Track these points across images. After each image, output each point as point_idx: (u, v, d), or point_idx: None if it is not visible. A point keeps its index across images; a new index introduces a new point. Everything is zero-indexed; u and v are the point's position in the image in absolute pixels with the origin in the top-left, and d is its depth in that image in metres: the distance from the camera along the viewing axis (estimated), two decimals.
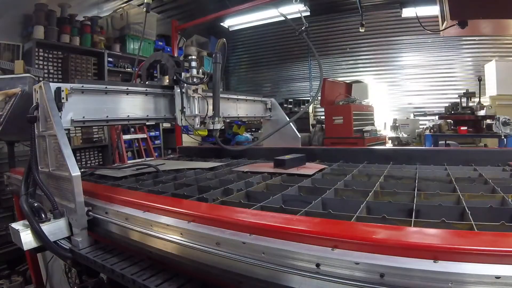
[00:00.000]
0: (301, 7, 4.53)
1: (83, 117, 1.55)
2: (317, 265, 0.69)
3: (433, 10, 4.60)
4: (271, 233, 0.79)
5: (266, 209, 1.11)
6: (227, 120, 2.66)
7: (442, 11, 3.39)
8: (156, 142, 6.30)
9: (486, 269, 0.58)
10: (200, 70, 1.97)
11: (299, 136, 2.71)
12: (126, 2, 5.96)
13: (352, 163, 2.05)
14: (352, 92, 6.62)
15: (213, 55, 1.98)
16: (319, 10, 7.29)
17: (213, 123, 2.03)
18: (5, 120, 1.88)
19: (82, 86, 1.54)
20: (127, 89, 1.77)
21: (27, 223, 1.20)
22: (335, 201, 1.23)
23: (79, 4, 5.31)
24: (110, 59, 5.51)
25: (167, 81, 2.00)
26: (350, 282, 0.66)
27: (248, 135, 7.13)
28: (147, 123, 2.06)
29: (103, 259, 1.11)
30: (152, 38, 6.19)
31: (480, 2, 3.05)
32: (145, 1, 2.82)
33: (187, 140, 5.95)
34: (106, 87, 1.66)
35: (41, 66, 4.63)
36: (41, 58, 4.69)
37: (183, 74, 1.91)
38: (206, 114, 1.99)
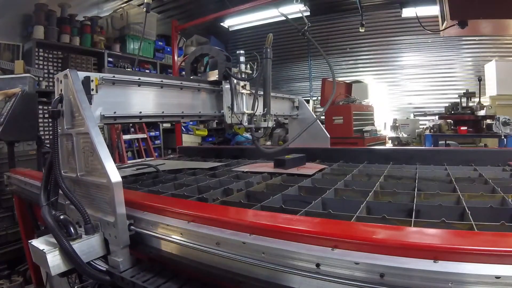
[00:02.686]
0: (301, 7, 4.52)
1: (114, 112, 1.36)
2: (317, 265, 0.69)
3: (433, 10, 4.61)
4: (271, 233, 0.79)
5: (266, 209, 1.11)
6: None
7: (442, 11, 3.39)
8: (156, 142, 6.30)
9: (486, 269, 0.58)
10: (248, 66, 1.86)
11: (328, 135, 2.59)
12: (126, 2, 5.96)
13: (352, 163, 2.05)
14: (352, 92, 6.62)
15: (264, 50, 1.89)
16: (319, 10, 7.30)
17: (265, 120, 1.92)
18: (5, 120, 1.87)
19: (114, 77, 1.36)
20: (162, 81, 1.61)
21: (51, 240, 0.99)
22: (335, 201, 1.23)
23: (79, 4, 5.31)
24: (110, 59, 5.51)
25: (215, 76, 1.88)
26: (350, 282, 0.66)
27: (248, 135, 7.12)
28: (181, 120, 1.94)
29: (156, 285, 0.91)
30: (152, 38, 6.19)
31: (480, 2, 3.05)
32: (145, 1, 2.80)
33: (187, 140, 5.96)
34: (139, 79, 1.49)
35: (41, 66, 4.64)
36: (41, 58, 4.69)
37: (232, 69, 1.81)
38: (254, 111, 1.88)
